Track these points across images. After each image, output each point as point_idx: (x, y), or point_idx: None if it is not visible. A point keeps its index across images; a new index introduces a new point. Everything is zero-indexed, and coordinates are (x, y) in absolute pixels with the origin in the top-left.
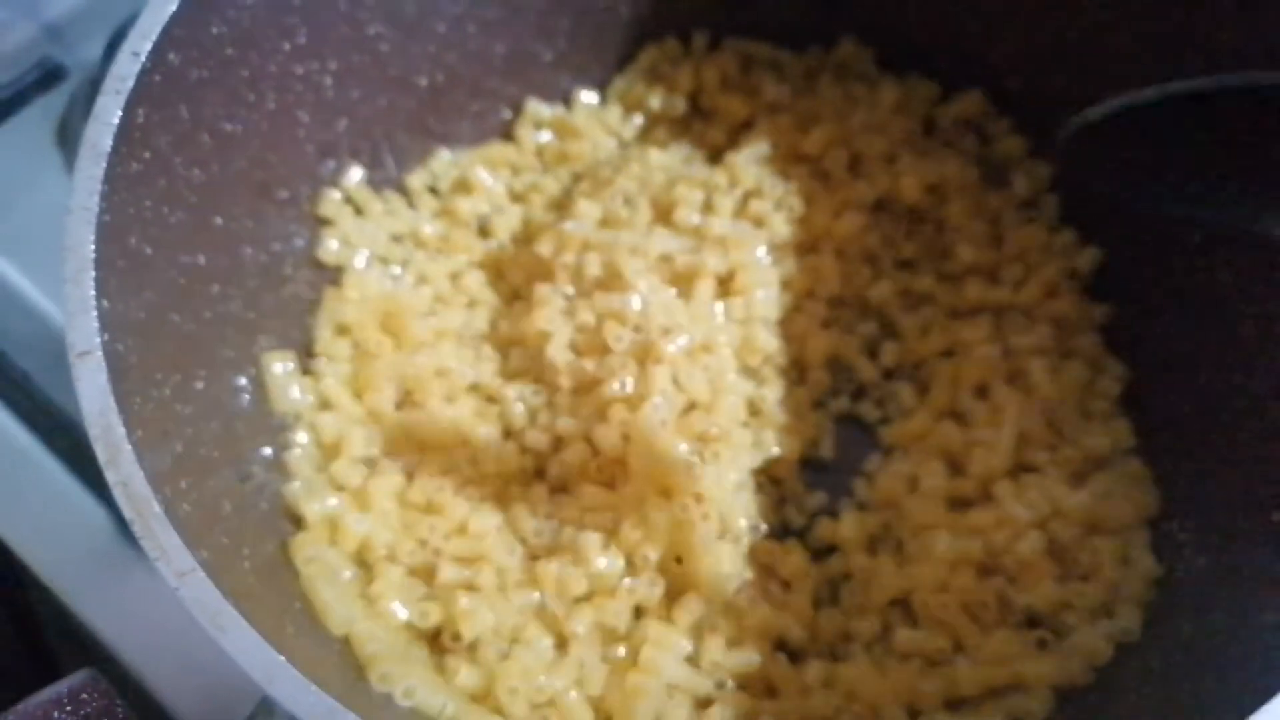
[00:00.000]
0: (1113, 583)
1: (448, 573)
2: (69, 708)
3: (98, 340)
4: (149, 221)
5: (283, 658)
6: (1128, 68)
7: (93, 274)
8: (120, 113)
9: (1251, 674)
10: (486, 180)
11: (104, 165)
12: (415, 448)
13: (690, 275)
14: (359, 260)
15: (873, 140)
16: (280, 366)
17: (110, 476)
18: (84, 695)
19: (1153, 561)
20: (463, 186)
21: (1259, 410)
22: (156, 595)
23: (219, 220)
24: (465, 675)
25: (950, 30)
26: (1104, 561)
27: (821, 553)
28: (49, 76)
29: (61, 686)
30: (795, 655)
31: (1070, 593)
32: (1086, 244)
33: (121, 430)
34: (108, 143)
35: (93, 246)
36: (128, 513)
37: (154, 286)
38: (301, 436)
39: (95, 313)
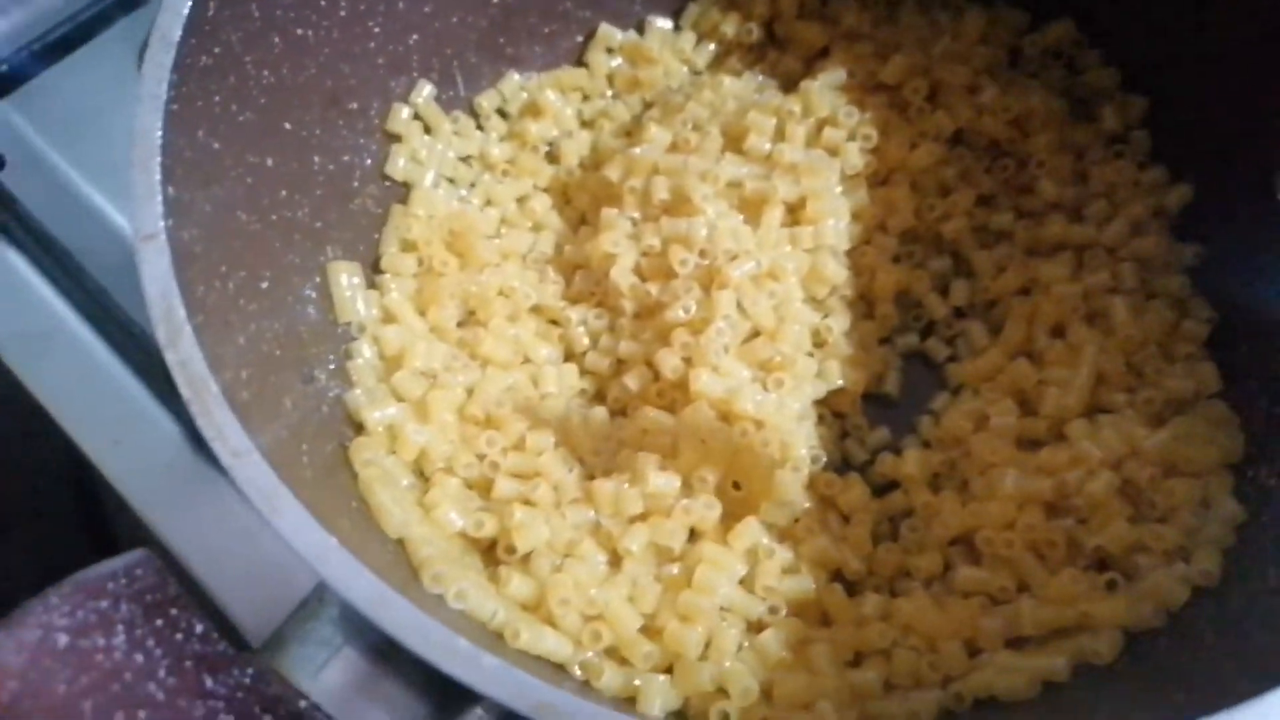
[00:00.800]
0: (1191, 526)
1: (504, 487)
2: (123, 580)
3: (162, 225)
4: (217, 117)
5: (335, 540)
6: None
7: (159, 159)
8: (190, 3)
9: None
10: (556, 104)
11: (173, 54)
12: (477, 365)
13: (759, 202)
14: (427, 179)
15: (955, 70)
16: (346, 278)
17: (170, 357)
18: (138, 570)
19: (1236, 505)
20: (532, 110)
21: None
22: (223, 510)
23: (288, 125)
24: (517, 584)
25: None
26: (1181, 504)
27: (882, 490)
28: None
29: (117, 562)
30: (851, 589)
31: (1145, 534)
32: (1176, 182)
33: (182, 312)
34: (177, 32)
35: (159, 133)
36: (185, 392)
37: (221, 182)
38: (365, 348)
39: (160, 197)
